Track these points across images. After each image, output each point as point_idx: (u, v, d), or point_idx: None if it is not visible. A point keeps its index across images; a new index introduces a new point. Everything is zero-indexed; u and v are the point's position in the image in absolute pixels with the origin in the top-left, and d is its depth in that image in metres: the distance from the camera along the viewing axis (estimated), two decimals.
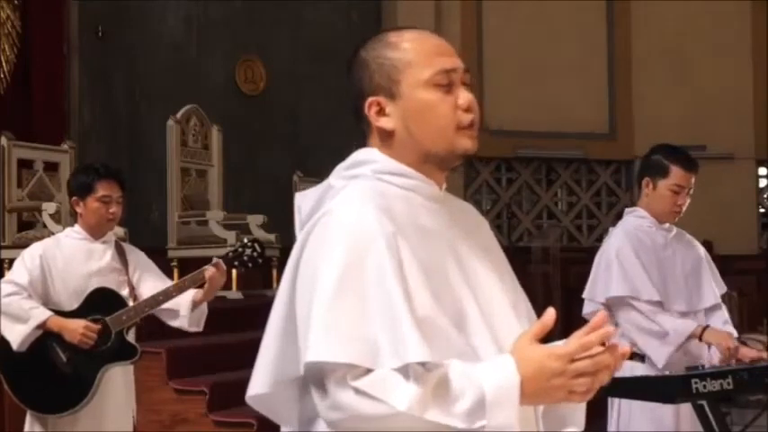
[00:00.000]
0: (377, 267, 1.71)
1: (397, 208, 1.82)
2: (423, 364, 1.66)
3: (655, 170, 4.09)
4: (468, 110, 1.86)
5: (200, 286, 4.29)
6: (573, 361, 1.69)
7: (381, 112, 1.87)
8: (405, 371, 1.65)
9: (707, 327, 3.97)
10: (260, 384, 1.81)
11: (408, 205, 1.85)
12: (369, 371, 1.65)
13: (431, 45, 1.89)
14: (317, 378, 1.69)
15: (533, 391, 1.68)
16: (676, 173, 4.04)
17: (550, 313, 1.72)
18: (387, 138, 1.88)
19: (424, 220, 1.85)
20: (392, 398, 1.63)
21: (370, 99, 1.87)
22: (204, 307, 4.40)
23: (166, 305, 4.27)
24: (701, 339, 3.91)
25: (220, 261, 4.30)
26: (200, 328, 4.46)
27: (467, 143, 1.86)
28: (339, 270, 1.71)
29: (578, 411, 1.90)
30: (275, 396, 1.81)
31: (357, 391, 1.64)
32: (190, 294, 4.31)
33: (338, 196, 1.84)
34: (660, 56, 10.67)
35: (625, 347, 1.78)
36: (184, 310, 4.32)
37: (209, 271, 4.23)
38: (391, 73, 1.86)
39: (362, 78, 1.89)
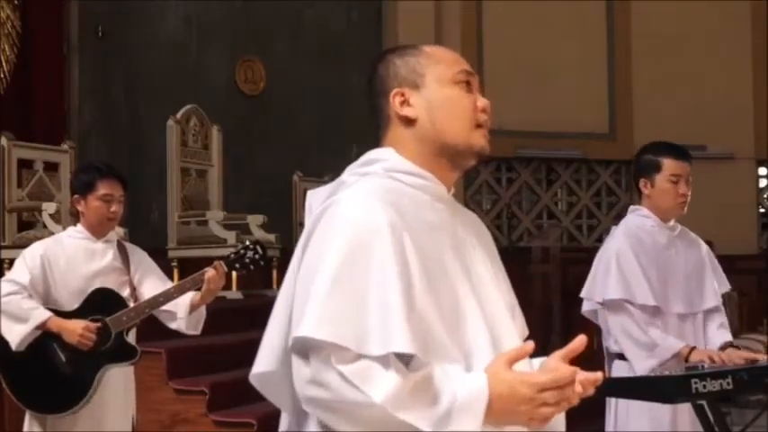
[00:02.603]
0: (378, 257, 1.78)
1: (403, 203, 1.89)
2: (407, 364, 1.74)
3: (647, 169, 4.10)
4: (483, 111, 1.98)
5: (201, 288, 4.29)
6: (542, 391, 1.76)
7: (405, 102, 1.98)
8: (387, 363, 1.72)
9: (693, 348, 3.97)
10: (264, 363, 1.87)
11: (415, 202, 1.92)
12: (354, 357, 1.72)
13: (452, 54, 2.04)
14: (301, 354, 1.76)
15: (500, 409, 1.76)
16: (668, 163, 4.06)
17: (529, 344, 1.82)
18: (409, 125, 1.97)
19: (429, 217, 1.92)
20: (371, 389, 1.71)
21: (396, 90, 1.98)
22: (202, 310, 4.39)
23: (165, 307, 4.26)
24: (687, 360, 3.91)
25: (221, 263, 4.29)
26: (198, 332, 4.44)
27: (482, 141, 1.98)
28: (341, 257, 1.78)
29: (559, 418, 1.94)
30: (277, 376, 1.86)
31: (342, 375, 1.71)
32: (188, 297, 4.30)
33: (348, 189, 1.91)
34: (660, 56, 10.67)
35: (598, 374, 1.87)
36: (182, 313, 4.31)
37: (208, 273, 4.22)
38: (417, 67, 1.99)
39: (387, 75, 2.00)
